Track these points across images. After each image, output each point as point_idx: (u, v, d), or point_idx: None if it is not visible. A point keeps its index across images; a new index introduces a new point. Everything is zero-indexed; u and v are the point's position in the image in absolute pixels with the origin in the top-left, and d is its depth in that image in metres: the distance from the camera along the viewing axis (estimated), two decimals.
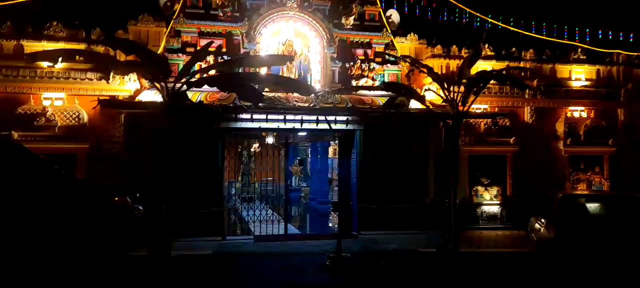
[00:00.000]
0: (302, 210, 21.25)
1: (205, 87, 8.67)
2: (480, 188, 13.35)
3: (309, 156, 23.86)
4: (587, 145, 13.66)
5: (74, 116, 10.76)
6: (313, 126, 11.28)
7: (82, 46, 10.37)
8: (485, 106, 13.40)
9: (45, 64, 9.97)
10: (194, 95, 10.94)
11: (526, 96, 13.56)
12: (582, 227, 7.02)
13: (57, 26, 10.99)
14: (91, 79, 10.79)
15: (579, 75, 14.12)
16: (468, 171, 13.25)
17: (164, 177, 7.90)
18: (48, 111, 10.53)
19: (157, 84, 7.88)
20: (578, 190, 12.22)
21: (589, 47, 14.27)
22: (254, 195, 18.20)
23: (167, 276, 7.28)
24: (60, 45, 10.52)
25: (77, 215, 5.75)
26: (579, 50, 14.18)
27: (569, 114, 13.93)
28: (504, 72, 11.08)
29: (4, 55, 10.70)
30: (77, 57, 7.32)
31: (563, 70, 14.10)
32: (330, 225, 14.37)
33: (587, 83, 14.08)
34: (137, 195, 7.25)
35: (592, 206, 7.79)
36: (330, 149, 18.14)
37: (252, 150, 21.88)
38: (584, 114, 14.02)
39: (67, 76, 10.79)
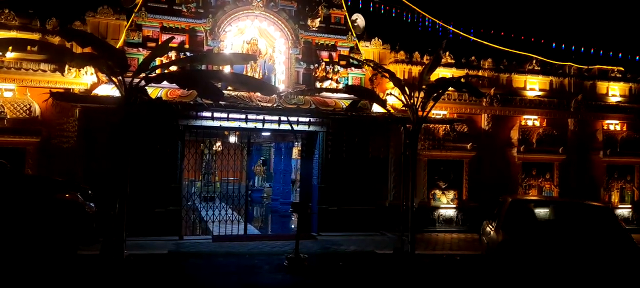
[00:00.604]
0: (264, 211, 21.16)
1: (165, 83, 8.48)
2: (438, 192, 13.70)
3: (273, 156, 23.80)
4: (539, 153, 14.25)
5: (25, 108, 10.30)
6: (275, 126, 11.28)
7: (35, 36, 9.95)
8: (445, 112, 13.77)
9: (5, 55, 9.50)
10: (155, 91, 10.71)
11: (484, 104, 14.03)
12: (530, 232, 7.31)
13: (9, 14, 10.50)
14: (45, 71, 10.36)
15: (533, 85, 14.74)
16: (427, 175, 13.58)
17: (118, 174, 7.70)
18: None
19: (114, 79, 7.69)
20: (529, 196, 12.70)
21: (544, 59, 14.90)
22: (215, 194, 18.01)
23: (118, 276, 7.09)
24: (13, 34, 10.05)
25: (20, 211, 5.51)
26: (534, 61, 14.78)
27: (523, 122, 14.49)
28: (462, 79, 11.47)
29: None
30: (28, 47, 7.01)
31: (519, 79, 14.68)
32: (291, 226, 14.38)
33: (540, 93, 14.71)
34: (89, 191, 7.02)
35: (541, 211, 8.15)
36: (294, 150, 18.21)
37: (214, 149, 21.64)
38: (537, 123, 14.62)
39: (18, 66, 10.32)
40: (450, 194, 13.74)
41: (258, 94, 11.02)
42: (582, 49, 15.43)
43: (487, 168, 14.05)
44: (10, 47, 6.78)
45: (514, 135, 14.33)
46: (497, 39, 14.84)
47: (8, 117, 10.12)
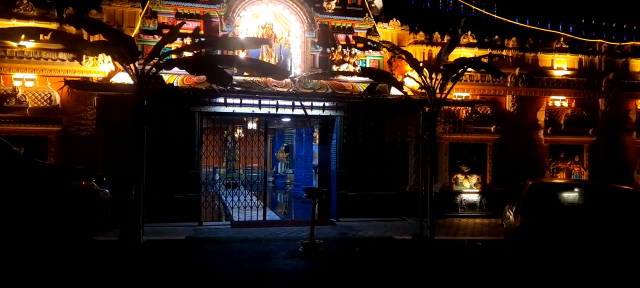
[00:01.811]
0: (286, 197, 21.25)
1: (177, 69, 8.50)
2: (461, 177, 13.34)
3: (295, 143, 23.80)
4: (567, 135, 13.68)
5: (45, 98, 10.49)
6: (289, 111, 11.14)
7: (53, 25, 10.06)
8: (467, 94, 13.35)
9: (14, 44, 9.68)
10: (171, 78, 10.74)
11: (508, 84, 13.52)
12: (551, 217, 6.98)
13: (27, 4, 10.65)
14: (63, 60, 10.51)
15: (561, 64, 14.09)
16: (448, 159, 13.22)
17: (136, 161, 7.76)
18: (18, 92, 10.24)
19: (126, 65, 7.71)
20: (552, 179, 12.22)
21: (572, 36, 14.21)
22: (238, 181, 18.14)
23: (134, 261, 7.17)
24: (31, 23, 10.20)
25: (31, 197, 5.60)
26: (562, 39, 14.11)
27: (550, 103, 13.91)
28: (484, 59, 11.05)
29: None
30: (41, 36, 7.08)
31: (545, 59, 14.05)
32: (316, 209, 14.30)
33: (568, 72, 14.06)
34: (104, 179, 7.10)
35: (564, 195, 7.77)
36: (315, 136, 18.09)
37: (235, 135, 21.78)
38: (565, 103, 14.01)
39: (38, 56, 10.50)
40: (473, 179, 13.35)
41: (273, 79, 10.89)
42: (614, 25, 14.62)
43: (512, 151, 13.59)
44: (23, 36, 6.86)
45: (541, 116, 13.78)
46: (522, 17, 14.23)
47: (30, 106, 10.33)
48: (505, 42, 13.75)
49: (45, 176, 5.83)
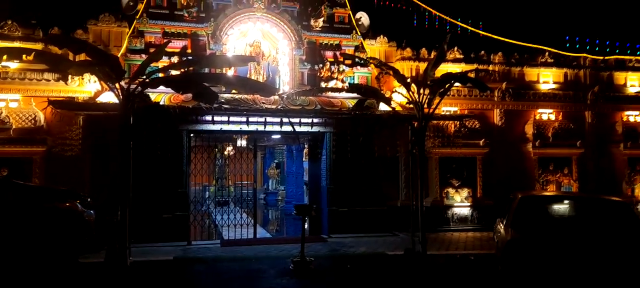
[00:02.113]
0: (277, 214, 21.05)
1: (162, 88, 8.43)
2: (451, 191, 13.34)
3: (286, 159, 23.68)
4: (555, 147, 13.80)
5: (30, 118, 10.36)
6: (277, 128, 11.10)
7: (38, 46, 9.98)
8: (455, 108, 13.42)
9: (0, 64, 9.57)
10: (159, 97, 10.67)
11: (495, 99, 13.65)
12: (540, 229, 6.96)
13: (12, 25, 10.58)
14: (48, 80, 10.41)
15: (547, 78, 14.26)
16: (439, 173, 13.24)
17: (122, 180, 7.63)
18: (2, 113, 10.11)
19: (110, 85, 7.62)
20: (547, 192, 12.26)
21: (556, 51, 14.41)
22: (229, 198, 17.94)
23: (119, 284, 7.00)
24: (15, 44, 10.12)
25: (14, 220, 5.46)
26: (547, 53, 14.31)
27: (537, 116, 14.04)
28: (471, 74, 11.13)
29: None
30: (24, 56, 7.00)
31: (531, 73, 14.23)
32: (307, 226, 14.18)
33: (555, 86, 14.22)
34: (88, 199, 6.96)
35: (553, 208, 7.77)
36: (305, 152, 18.02)
37: (225, 153, 21.60)
38: (553, 116, 14.14)
39: (23, 77, 10.39)
40: (464, 192, 13.36)
41: (260, 96, 10.86)
42: (597, 40, 14.88)
43: (501, 164, 13.64)
44: (5, 56, 6.76)
45: (529, 129, 13.89)
46: (507, 33, 14.41)
47: (14, 127, 10.18)
48: (492, 57, 13.91)
49: (26, 198, 5.69)
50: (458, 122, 12.99)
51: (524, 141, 13.91)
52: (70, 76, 10.08)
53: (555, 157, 13.88)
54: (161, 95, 10.74)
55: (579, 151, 13.89)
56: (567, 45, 14.60)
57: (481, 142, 13.24)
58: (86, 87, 10.64)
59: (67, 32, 11.00)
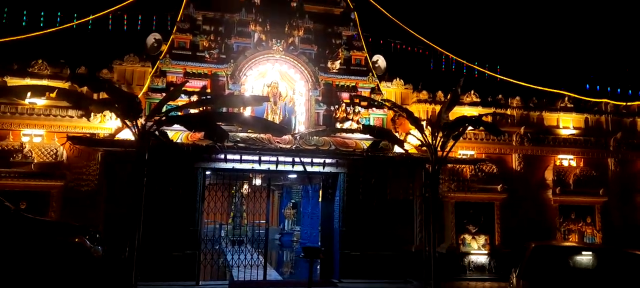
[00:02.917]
0: (292, 255, 20.78)
1: (177, 126, 8.62)
2: (468, 237, 12.96)
3: (302, 199, 23.57)
4: (577, 195, 13.35)
5: (51, 153, 10.67)
6: (289, 168, 11.12)
7: (64, 84, 10.39)
8: (472, 152, 13.25)
9: (25, 102, 10.00)
10: (176, 135, 10.90)
11: (513, 143, 13.45)
12: (554, 282, 6.66)
13: (41, 64, 11.11)
14: (72, 117, 10.79)
15: (567, 123, 14.01)
16: (454, 218, 12.90)
17: (133, 217, 7.71)
18: (25, 148, 10.45)
19: (128, 122, 7.85)
20: (563, 242, 11.80)
21: (576, 96, 14.23)
22: (244, 238, 17.85)
23: None
24: (44, 82, 10.58)
25: (21, 253, 5.55)
26: (566, 98, 14.13)
27: (558, 162, 13.72)
28: (489, 117, 11.05)
29: None
30: (47, 94, 7.31)
31: (550, 118, 14.01)
32: (315, 270, 13.93)
33: (575, 131, 13.94)
34: (98, 235, 7.04)
35: (570, 259, 7.44)
36: (321, 192, 17.93)
37: (241, 191, 21.67)
38: (574, 163, 13.80)
39: (48, 113, 10.81)
40: (481, 239, 12.96)
41: (273, 135, 10.98)
42: (618, 88, 14.65)
43: (521, 211, 13.27)
44: (29, 94, 7.07)
45: (549, 176, 13.54)
46: (525, 77, 14.35)
47: (36, 161, 10.48)
48: (509, 101, 13.80)
49: (35, 232, 5.80)
50: (475, 166, 12.78)
51: (544, 187, 13.55)
52: (92, 113, 10.43)
53: (577, 205, 13.42)
54: (179, 133, 10.97)
55: (602, 199, 13.42)
56: (587, 88, 14.39)
57: (499, 187, 12.95)
58: (107, 124, 10.96)
59: (94, 71, 11.47)
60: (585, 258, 7.40)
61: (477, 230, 12.96)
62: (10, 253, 5.48)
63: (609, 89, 14.74)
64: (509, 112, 13.59)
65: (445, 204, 12.80)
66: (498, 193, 12.96)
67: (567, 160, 13.79)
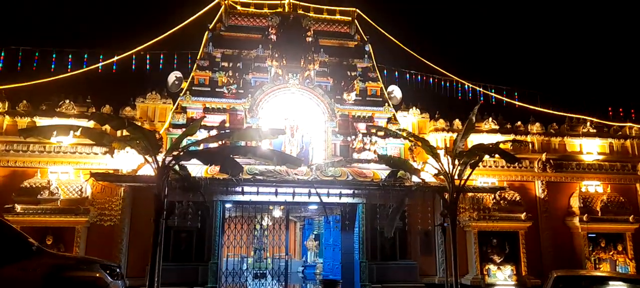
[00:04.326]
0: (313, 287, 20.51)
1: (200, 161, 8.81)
2: (493, 268, 12.60)
3: (323, 230, 23.40)
4: (605, 222, 12.90)
5: (76, 190, 11.02)
6: (305, 199, 11.15)
7: (89, 123, 10.82)
8: (493, 180, 13.04)
9: (53, 141, 10.43)
10: (195, 169, 11.09)
11: (535, 170, 13.20)
12: None
13: (68, 104, 11.62)
14: (96, 154, 11.18)
15: (590, 148, 13.70)
16: (478, 248, 12.62)
17: (154, 252, 7.83)
18: (52, 184, 10.83)
19: (148, 158, 8.08)
20: (600, 271, 11.34)
21: (599, 121, 13.93)
22: (267, 271, 17.77)
23: None
24: (71, 121, 11.04)
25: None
26: (588, 123, 13.85)
27: (583, 189, 13.35)
28: (509, 144, 10.92)
29: (18, 132, 11.22)
30: (72, 132, 7.63)
31: (573, 143, 13.74)
32: None
33: (600, 157, 13.60)
34: (118, 270, 7.17)
35: None
36: (340, 223, 17.79)
37: (263, 224, 21.69)
38: (600, 189, 13.40)
39: (73, 151, 11.23)
40: (507, 270, 12.57)
41: (289, 168, 11.06)
42: None
43: (547, 240, 12.90)
44: (55, 132, 7.39)
45: (574, 203, 13.17)
46: (545, 103, 14.15)
47: (62, 198, 10.83)
48: (529, 127, 13.62)
49: (56, 268, 5.99)
50: (496, 194, 12.54)
51: (570, 215, 13.16)
52: (116, 150, 10.78)
53: (606, 232, 12.96)
54: (198, 167, 11.18)
55: (633, 227, 12.93)
56: (610, 113, 14.07)
57: (523, 215, 12.63)
58: (131, 160, 11.27)
59: (118, 109, 11.91)
60: None
61: (502, 260, 12.60)
62: (34, 285, 5.67)
63: (632, 111, 14.37)
64: (529, 138, 13.41)
65: (467, 234, 12.56)
66: (522, 221, 12.64)
67: (593, 186, 13.41)
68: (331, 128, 12.56)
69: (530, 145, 13.21)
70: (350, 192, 11.63)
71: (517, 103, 14.30)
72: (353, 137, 12.60)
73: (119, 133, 8.76)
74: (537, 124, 13.64)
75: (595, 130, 13.83)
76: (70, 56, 12.39)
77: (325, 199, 10.88)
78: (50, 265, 5.94)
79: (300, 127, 12.80)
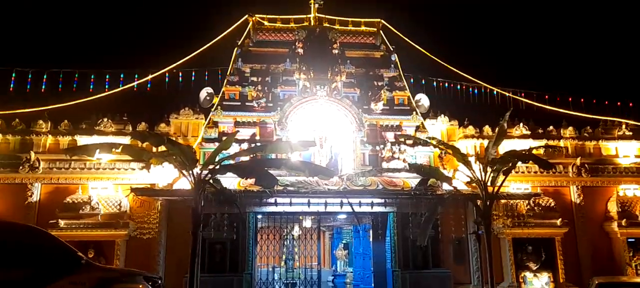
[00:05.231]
0: None
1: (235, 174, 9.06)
2: (529, 275, 12.35)
3: (353, 240, 23.39)
4: None
5: (116, 204, 11.44)
6: (337, 209, 11.25)
7: (126, 139, 11.24)
8: (527, 185, 12.83)
9: (93, 158, 10.87)
10: (229, 182, 11.34)
11: (570, 174, 12.93)
12: None
13: (106, 122, 12.11)
14: (134, 169, 11.58)
15: (627, 151, 13.34)
16: (513, 255, 12.40)
17: (192, 264, 8.07)
18: (93, 200, 11.27)
19: (185, 172, 8.36)
20: (631, 278, 11.01)
21: (635, 123, 13.55)
22: (297, 280, 17.90)
23: None
24: (109, 138, 11.50)
25: None
26: (624, 126, 13.50)
27: (621, 193, 12.98)
28: (542, 150, 10.76)
29: (60, 150, 11.80)
30: (113, 150, 7.99)
31: (608, 147, 13.42)
32: None
33: (637, 160, 13.23)
34: (160, 281, 7.42)
35: None
36: (371, 233, 17.78)
37: (292, 234, 21.87)
38: (639, 193, 12.99)
39: (113, 167, 11.67)
40: (544, 277, 12.30)
41: (320, 179, 11.20)
42: None
43: (584, 246, 12.60)
44: (98, 150, 7.75)
45: (612, 207, 12.81)
46: (576, 106, 13.87)
47: (102, 212, 11.26)
48: (562, 132, 13.38)
49: (104, 280, 6.26)
50: (531, 201, 12.33)
51: (608, 220, 12.81)
52: (152, 165, 11.15)
53: None
54: (231, 180, 11.44)
55: None
56: None
57: (558, 222, 12.37)
58: (166, 175, 11.63)
59: (152, 125, 12.34)
60: None
61: (539, 267, 12.35)
62: None
63: None
64: (562, 143, 13.16)
65: (501, 241, 12.38)
66: (558, 227, 12.38)
67: (631, 190, 13.02)
68: (359, 138, 12.65)
69: (563, 150, 12.96)
70: (382, 201, 11.66)
71: (548, 107, 14.08)
72: (382, 146, 12.65)
73: (156, 149, 9.09)
74: (570, 128, 13.39)
75: (631, 133, 13.47)
76: (107, 78, 12.93)
77: (356, 209, 10.96)
78: (97, 279, 6.20)
79: (329, 138, 12.94)
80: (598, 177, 12.97)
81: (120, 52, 23.53)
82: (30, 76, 12.82)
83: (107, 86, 13.00)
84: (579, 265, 12.37)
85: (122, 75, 13.08)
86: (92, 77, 13.04)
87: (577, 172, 12.94)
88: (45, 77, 12.82)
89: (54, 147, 12.02)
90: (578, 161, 12.91)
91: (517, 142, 12.79)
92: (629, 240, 12.59)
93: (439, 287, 11.86)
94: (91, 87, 12.99)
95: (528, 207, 12.53)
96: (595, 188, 13.00)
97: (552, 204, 12.62)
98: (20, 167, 11.55)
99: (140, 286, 6.89)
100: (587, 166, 12.93)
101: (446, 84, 14.23)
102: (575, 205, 12.91)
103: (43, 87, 12.80)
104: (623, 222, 12.48)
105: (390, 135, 12.91)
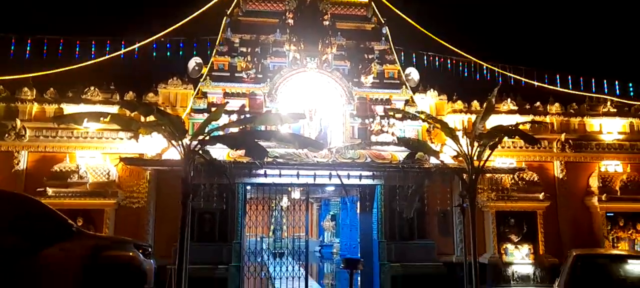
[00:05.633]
0: (332, 267, 20.93)
1: (225, 145, 9.08)
2: (510, 247, 12.73)
3: (340, 211, 23.75)
4: (625, 202, 12.89)
5: (104, 173, 11.41)
6: (326, 181, 11.38)
7: (114, 109, 11.14)
8: (512, 160, 13.08)
9: (80, 127, 10.77)
10: (218, 152, 11.37)
11: (554, 150, 13.20)
12: None
13: (93, 91, 11.95)
14: (122, 139, 11.53)
15: (610, 128, 13.60)
16: (496, 228, 12.74)
17: (182, 233, 8.16)
18: (81, 169, 11.23)
19: (174, 142, 8.36)
20: (607, 250, 11.42)
21: (619, 100, 13.80)
22: (285, 250, 18.22)
23: None
24: (96, 107, 11.39)
25: (85, 268, 6.07)
26: (609, 102, 13.74)
27: (602, 169, 13.32)
28: (528, 125, 10.94)
29: (46, 118, 11.66)
30: (101, 119, 7.94)
31: (592, 123, 13.67)
32: (356, 282, 14.03)
33: (620, 136, 13.51)
34: (149, 249, 7.51)
35: (616, 269, 7.25)
36: (359, 205, 18.06)
37: (281, 205, 22.11)
38: (620, 168, 13.35)
39: (100, 136, 11.60)
40: (524, 249, 12.69)
41: (310, 151, 11.27)
42: None
43: (565, 219, 12.97)
44: (86, 119, 7.69)
45: (593, 182, 13.17)
46: (564, 83, 14.04)
47: (91, 181, 11.24)
48: (548, 108, 13.57)
49: (95, 247, 6.32)
50: (515, 175, 12.60)
51: (589, 195, 13.18)
52: (140, 135, 11.09)
53: (625, 212, 12.96)
54: (221, 151, 11.46)
55: None
56: (631, 94, 13.92)
57: (541, 196, 12.69)
58: (154, 144, 11.59)
59: (140, 95, 12.21)
60: (631, 266, 7.20)
61: (520, 239, 12.72)
62: (74, 266, 6.01)
63: None
64: (548, 119, 13.36)
65: (485, 214, 12.69)
66: (540, 201, 12.71)
67: (612, 166, 13.36)
68: (349, 111, 12.69)
69: (549, 126, 13.17)
70: (370, 173, 11.81)
71: (536, 83, 14.23)
72: (371, 119, 12.71)
73: (144, 119, 9.02)
74: (557, 104, 13.58)
75: (615, 110, 13.72)
76: (93, 45, 12.68)
77: (345, 181, 11.09)
78: (88, 246, 6.27)
79: (318, 110, 12.96)
80: (581, 153, 13.27)
81: (106, 19, 23.01)
82: (13, 43, 12.53)
83: (93, 56, 12.75)
84: (559, 238, 12.76)
85: (108, 44, 12.83)
86: (77, 44, 12.76)
87: (561, 147, 13.21)
88: (29, 43, 12.53)
89: (40, 115, 11.86)
90: (563, 137, 13.17)
91: (504, 117, 12.95)
92: (608, 214, 13.01)
93: (424, 257, 12.16)
94: (77, 54, 12.73)
95: (512, 181, 12.82)
96: (578, 163, 13.31)
97: (536, 179, 12.92)
98: (6, 135, 11.43)
99: (131, 253, 6.99)
100: (571, 142, 13.19)
101: (436, 59, 14.26)
102: (557, 180, 13.22)
103: (27, 54, 12.53)
104: (603, 197, 12.86)
105: (379, 109, 12.95)
